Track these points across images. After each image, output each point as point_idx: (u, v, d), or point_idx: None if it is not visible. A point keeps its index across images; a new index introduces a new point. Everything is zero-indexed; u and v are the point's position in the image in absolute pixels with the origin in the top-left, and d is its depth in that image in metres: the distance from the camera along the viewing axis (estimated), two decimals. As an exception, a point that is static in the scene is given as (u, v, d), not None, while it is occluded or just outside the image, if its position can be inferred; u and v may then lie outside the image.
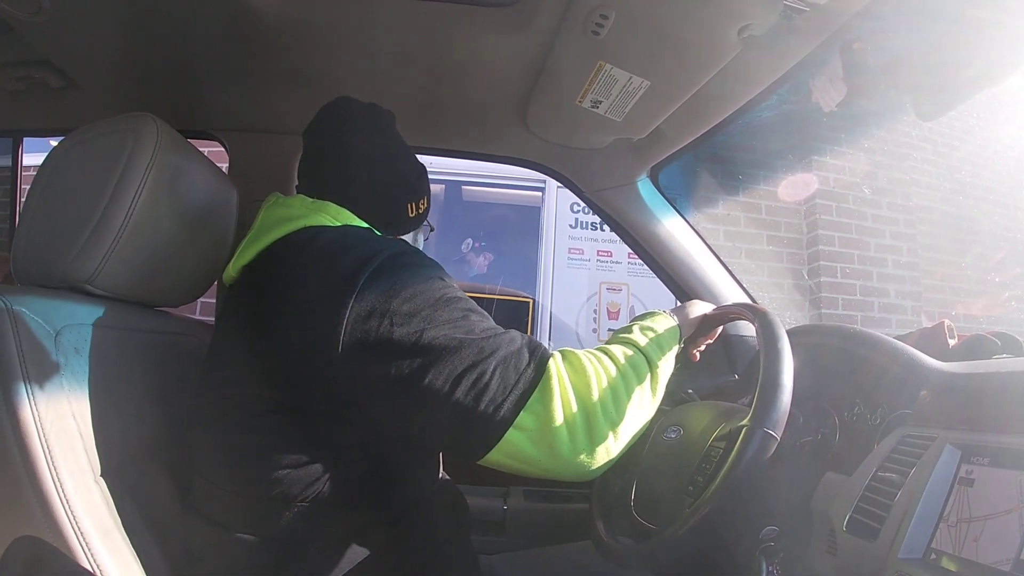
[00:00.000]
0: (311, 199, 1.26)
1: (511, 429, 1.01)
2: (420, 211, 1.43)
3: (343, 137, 1.34)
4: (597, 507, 1.38)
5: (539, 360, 1.06)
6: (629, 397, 1.11)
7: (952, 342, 1.37)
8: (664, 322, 1.28)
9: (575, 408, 1.04)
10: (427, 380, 0.99)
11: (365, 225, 1.27)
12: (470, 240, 4.99)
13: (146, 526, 1.13)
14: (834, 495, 1.09)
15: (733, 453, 1.03)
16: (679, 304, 1.45)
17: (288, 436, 1.08)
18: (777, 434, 1.03)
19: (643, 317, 1.30)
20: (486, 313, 1.11)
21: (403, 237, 1.43)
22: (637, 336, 1.21)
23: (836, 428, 1.27)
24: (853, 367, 1.31)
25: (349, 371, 1.02)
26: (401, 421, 1.06)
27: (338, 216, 1.23)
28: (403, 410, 1.04)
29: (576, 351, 1.12)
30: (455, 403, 0.99)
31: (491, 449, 1.02)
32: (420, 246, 1.51)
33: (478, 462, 1.04)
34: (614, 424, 1.07)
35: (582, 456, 1.04)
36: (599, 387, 1.07)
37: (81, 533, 0.96)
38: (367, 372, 1.02)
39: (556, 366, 1.06)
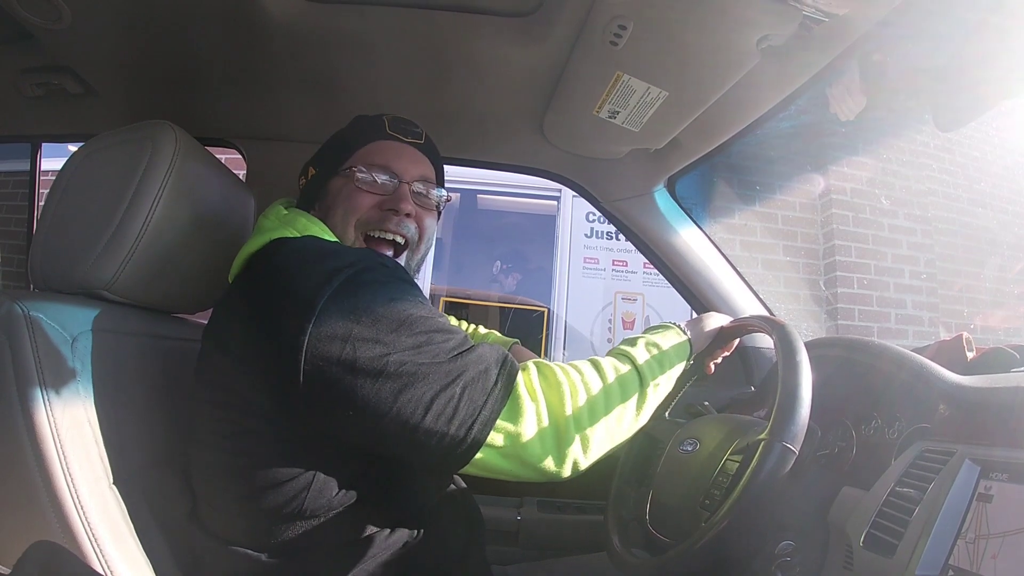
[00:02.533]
0: (287, 209, 1.25)
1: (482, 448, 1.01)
2: None
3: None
4: (612, 519, 1.37)
5: (507, 377, 1.04)
6: (607, 413, 1.10)
7: (970, 355, 1.35)
8: (673, 338, 1.27)
9: (546, 423, 1.03)
10: (395, 408, 0.97)
11: (332, 237, 1.24)
12: (499, 263, 5.01)
13: (159, 533, 1.14)
14: (851, 510, 1.08)
15: (751, 467, 1.03)
16: (695, 316, 1.44)
17: (267, 457, 1.06)
18: (795, 448, 1.02)
19: (653, 330, 1.29)
20: (453, 327, 1.08)
21: None
22: (639, 351, 1.20)
23: (854, 442, 1.26)
24: (871, 380, 1.30)
25: (313, 399, 1.00)
26: (371, 445, 1.05)
27: (304, 228, 1.20)
28: (371, 436, 1.02)
29: (551, 364, 1.11)
30: (425, 429, 0.97)
31: (462, 467, 1.02)
32: None
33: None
34: (586, 438, 1.06)
35: (551, 465, 1.04)
36: (573, 401, 1.06)
37: (95, 539, 0.97)
38: (331, 400, 0.99)
39: (527, 380, 1.06)
